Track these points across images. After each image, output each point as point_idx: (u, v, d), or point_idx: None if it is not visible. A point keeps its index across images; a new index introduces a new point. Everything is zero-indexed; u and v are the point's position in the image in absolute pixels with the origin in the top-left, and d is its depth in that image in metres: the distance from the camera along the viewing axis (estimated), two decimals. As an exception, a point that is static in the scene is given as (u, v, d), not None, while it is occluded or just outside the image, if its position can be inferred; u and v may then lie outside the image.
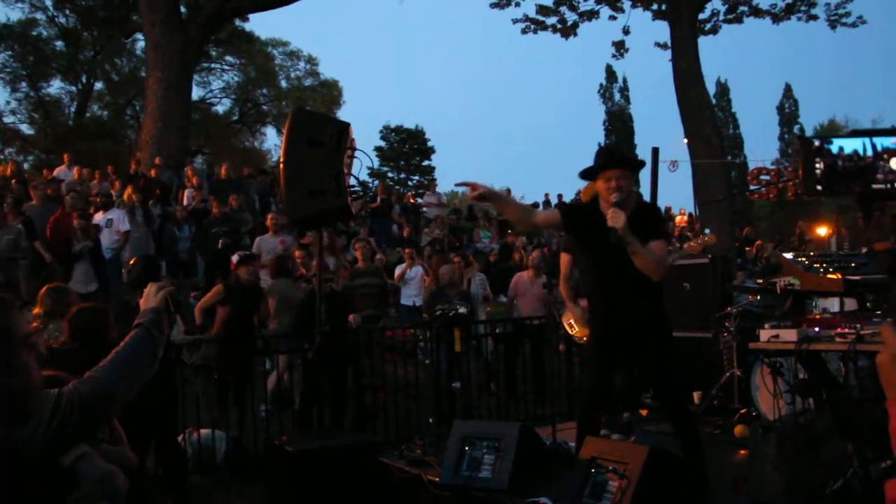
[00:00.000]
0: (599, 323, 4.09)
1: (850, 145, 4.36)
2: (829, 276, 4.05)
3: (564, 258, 5.78)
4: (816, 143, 4.50)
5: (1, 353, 1.96)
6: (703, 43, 17.31)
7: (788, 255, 4.41)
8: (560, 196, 20.90)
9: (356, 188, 5.16)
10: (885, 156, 4.23)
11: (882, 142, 4.33)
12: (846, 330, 3.32)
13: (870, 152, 4.32)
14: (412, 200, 19.63)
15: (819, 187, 4.42)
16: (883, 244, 4.65)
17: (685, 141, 16.60)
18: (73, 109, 27.73)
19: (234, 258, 7.46)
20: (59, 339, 4.05)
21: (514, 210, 4.19)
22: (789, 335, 3.60)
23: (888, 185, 4.28)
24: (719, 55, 53.08)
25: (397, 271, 10.40)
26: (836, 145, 4.42)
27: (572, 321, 6.02)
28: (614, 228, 3.65)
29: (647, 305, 3.90)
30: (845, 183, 4.38)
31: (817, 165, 4.35)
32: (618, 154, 4.53)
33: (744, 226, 20.96)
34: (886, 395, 1.56)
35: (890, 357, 1.49)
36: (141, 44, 24.45)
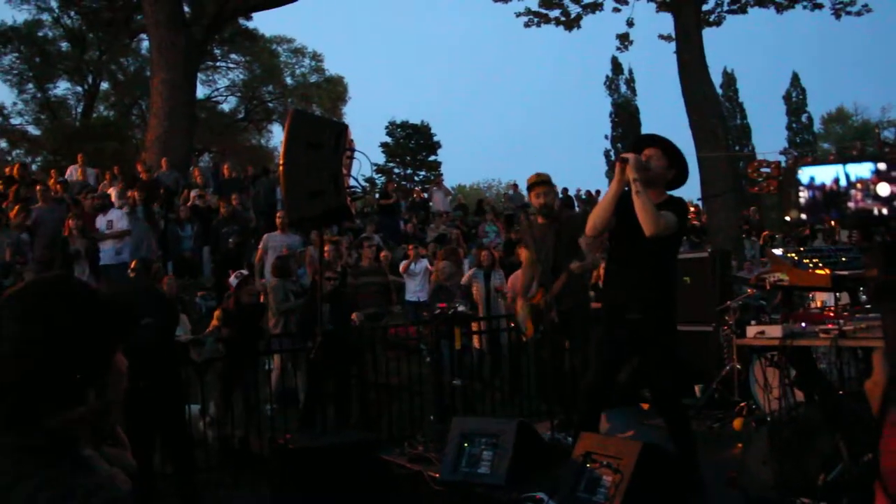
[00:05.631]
0: (608, 304, 4.07)
1: (822, 174, 4.42)
2: (818, 271, 4.09)
3: (523, 253, 5.78)
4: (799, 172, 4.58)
5: None
6: (709, 33, 17.19)
7: (778, 251, 4.45)
8: (565, 190, 20.84)
9: (356, 188, 5.22)
10: (860, 184, 4.30)
11: (856, 170, 4.39)
12: (829, 326, 3.36)
13: (843, 182, 4.38)
14: (420, 196, 19.61)
15: (803, 216, 4.50)
16: (871, 272, 4.68)
17: (691, 132, 16.51)
18: (79, 110, 27.88)
19: (232, 280, 7.49)
20: None
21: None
22: (774, 331, 3.63)
23: (877, 211, 4.34)
24: (726, 45, 52.62)
25: (402, 265, 10.60)
26: (806, 175, 4.49)
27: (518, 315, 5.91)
28: (624, 159, 3.64)
29: (654, 292, 3.89)
30: (822, 210, 4.45)
31: (801, 194, 4.42)
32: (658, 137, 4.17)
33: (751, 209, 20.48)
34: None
35: (874, 384, 1.61)
36: (146, 43, 24.56)
